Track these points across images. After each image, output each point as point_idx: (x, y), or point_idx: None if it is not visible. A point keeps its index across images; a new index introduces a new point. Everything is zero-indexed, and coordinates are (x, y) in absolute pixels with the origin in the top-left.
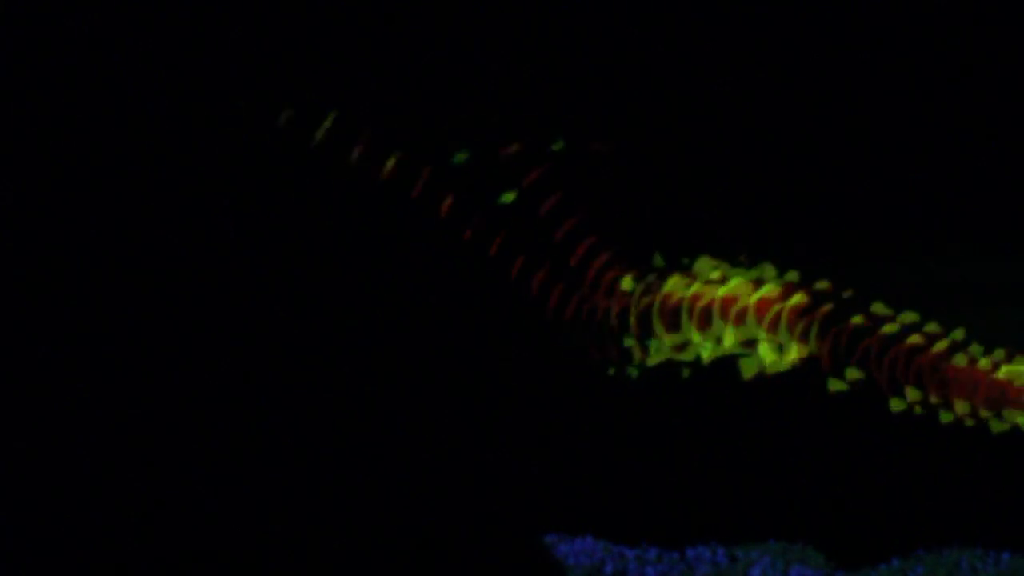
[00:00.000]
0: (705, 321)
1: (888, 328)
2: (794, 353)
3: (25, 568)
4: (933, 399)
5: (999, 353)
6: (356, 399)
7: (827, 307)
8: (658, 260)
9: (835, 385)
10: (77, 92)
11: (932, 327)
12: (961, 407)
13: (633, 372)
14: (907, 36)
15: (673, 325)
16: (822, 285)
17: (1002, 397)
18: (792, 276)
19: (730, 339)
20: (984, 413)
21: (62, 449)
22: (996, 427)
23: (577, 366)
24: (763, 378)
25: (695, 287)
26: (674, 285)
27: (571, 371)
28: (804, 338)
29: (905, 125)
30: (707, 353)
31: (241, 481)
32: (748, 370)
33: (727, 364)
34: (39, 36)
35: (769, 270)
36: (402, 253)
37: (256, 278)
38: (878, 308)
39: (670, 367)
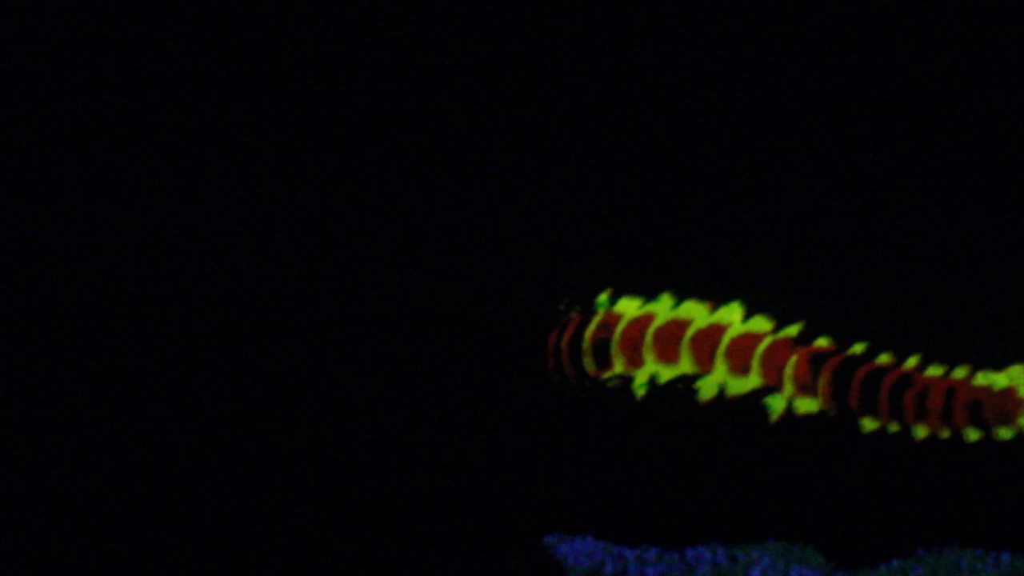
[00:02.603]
0: (671, 354)
1: (855, 349)
2: (752, 381)
3: (25, 568)
4: (907, 417)
5: (961, 371)
6: (357, 400)
7: (774, 340)
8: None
9: (805, 406)
10: (75, 92)
11: (884, 358)
12: (936, 421)
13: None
14: (893, 63)
15: (634, 359)
16: (762, 323)
17: (985, 405)
18: (735, 312)
19: (679, 370)
20: (964, 423)
21: (62, 449)
22: (972, 436)
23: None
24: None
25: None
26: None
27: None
28: (747, 368)
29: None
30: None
31: (242, 481)
32: (706, 393)
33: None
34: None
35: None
36: (403, 258)
37: (253, 278)
38: (822, 342)
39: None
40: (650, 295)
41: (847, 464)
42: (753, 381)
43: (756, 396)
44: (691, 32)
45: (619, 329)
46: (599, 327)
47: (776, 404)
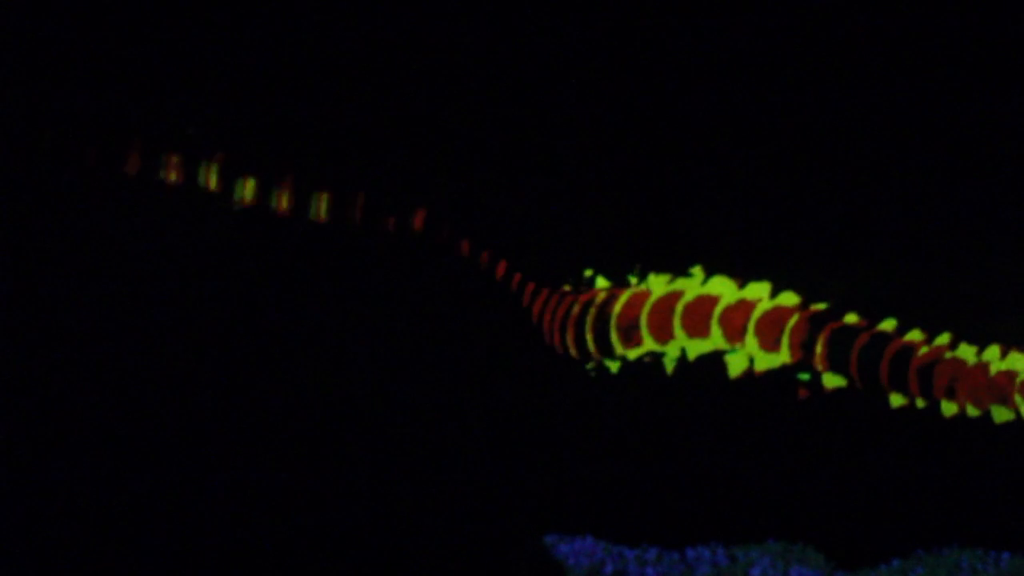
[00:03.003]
0: (666, 331)
1: (885, 325)
2: (782, 357)
3: (24, 568)
4: (937, 393)
5: (993, 350)
6: (357, 400)
7: (801, 315)
8: (634, 273)
9: (832, 381)
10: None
11: (915, 334)
12: (965, 399)
13: (613, 366)
14: (901, 39)
15: (630, 339)
16: (790, 299)
17: (1009, 388)
18: (763, 288)
19: (710, 345)
20: (989, 404)
21: (61, 449)
22: (1000, 417)
23: (574, 365)
24: (753, 377)
25: (659, 293)
26: (632, 296)
27: (570, 371)
28: (777, 343)
29: (891, 131)
30: (677, 355)
31: (240, 481)
32: (735, 368)
33: (722, 366)
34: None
35: (729, 283)
36: (397, 258)
37: (249, 280)
38: (851, 318)
39: (659, 367)
40: (678, 271)
41: (847, 463)
42: (783, 356)
43: (786, 372)
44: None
45: (648, 306)
46: (628, 304)
47: (802, 378)
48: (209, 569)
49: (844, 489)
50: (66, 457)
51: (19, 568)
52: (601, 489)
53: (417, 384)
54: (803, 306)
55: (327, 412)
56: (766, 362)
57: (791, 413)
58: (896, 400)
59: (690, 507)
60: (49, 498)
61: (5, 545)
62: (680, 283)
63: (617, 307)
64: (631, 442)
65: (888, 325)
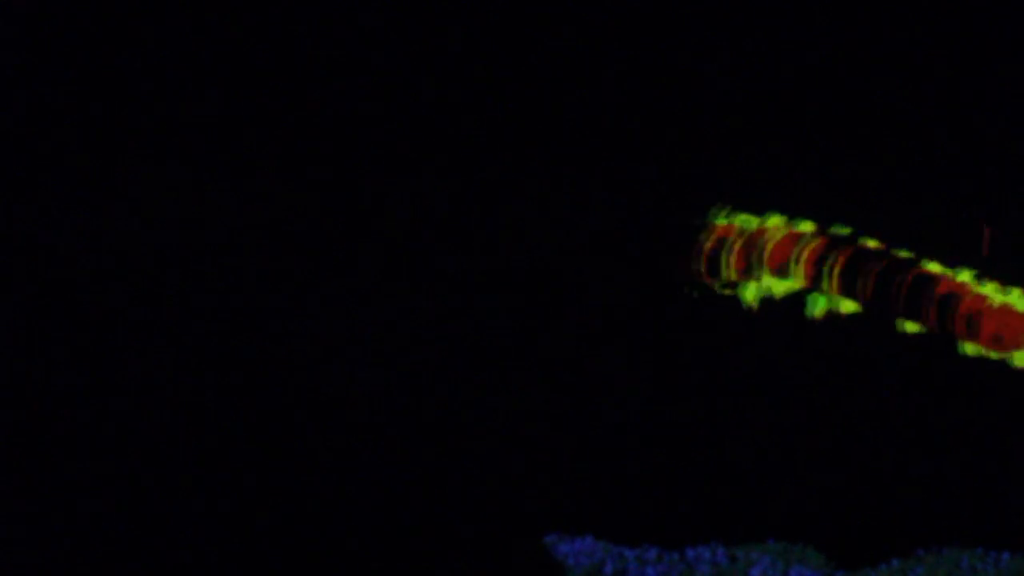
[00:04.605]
0: (745, 267)
1: (929, 265)
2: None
3: (24, 568)
4: (960, 330)
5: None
6: (356, 400)
7: (848, 250)
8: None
9: (847, 306)
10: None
11: (935, 267)
12: (988, 339)
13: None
14: (912, 19)
15: (714, 271)
16: (842, 230)
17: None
18: (808, 225)
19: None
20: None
21: (62, 449)
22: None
23: (578, 369)
24: (762, 378)
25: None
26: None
27: (571, 372)
28: (818, 279)
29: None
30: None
31: (243, 481)
32: (818, 307)
33: (727, 365)
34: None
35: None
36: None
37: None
38: (902, 254)
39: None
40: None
41: (847, 464)
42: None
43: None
44: None
45: (735, 242)
46: (718, 238)
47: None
48: (209, 569)
49: (844, 489)
50: (66, 456)
51: (19, 568)
52: (601, 489)
53: (418, 385)
54: (850, 240)
55: (318, 412)
56: (845, 305)
57: (790, 413)
58: (911, 327)
59: (690, 507)
60: (49, 498)
61: (5, 545)
62: (773, 221)
63: (735, 241)
64: (631, 442)
65: (934, 267)
